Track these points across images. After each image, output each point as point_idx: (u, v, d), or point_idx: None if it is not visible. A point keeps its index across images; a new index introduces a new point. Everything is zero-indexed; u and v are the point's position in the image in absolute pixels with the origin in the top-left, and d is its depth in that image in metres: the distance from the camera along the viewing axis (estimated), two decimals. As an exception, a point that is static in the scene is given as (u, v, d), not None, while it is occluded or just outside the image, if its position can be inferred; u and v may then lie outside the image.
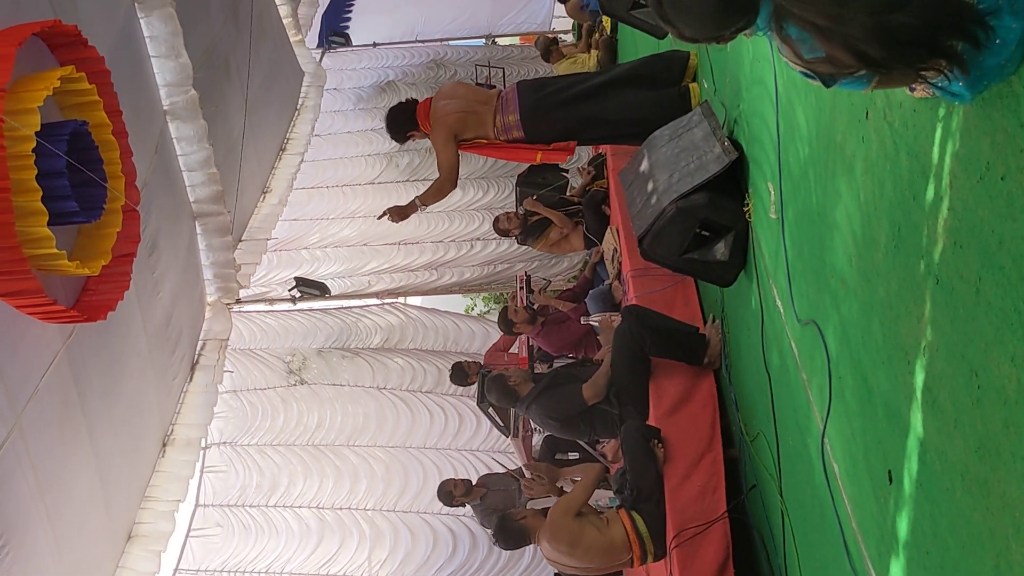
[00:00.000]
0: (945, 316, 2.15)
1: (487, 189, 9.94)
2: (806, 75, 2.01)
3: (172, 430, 6.67)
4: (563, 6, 11.91)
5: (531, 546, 7.63)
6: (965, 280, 2.04)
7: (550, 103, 5.64)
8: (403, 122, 5.98)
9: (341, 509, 7.95)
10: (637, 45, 8.00)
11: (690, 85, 5.52)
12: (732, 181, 4.33)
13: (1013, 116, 1.82)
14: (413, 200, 6.08)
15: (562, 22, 13.46)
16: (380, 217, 6.31)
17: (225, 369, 7.61)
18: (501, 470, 7.93)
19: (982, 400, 1.98)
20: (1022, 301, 1.80)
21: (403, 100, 6.22)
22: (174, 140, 6.83)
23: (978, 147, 1.97)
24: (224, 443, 7.96)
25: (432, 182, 5.93)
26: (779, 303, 3.76)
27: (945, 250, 2.14)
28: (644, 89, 5.58)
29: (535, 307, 7.63)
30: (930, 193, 2.21)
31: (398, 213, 6.15)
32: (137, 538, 6.06)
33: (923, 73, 1.76)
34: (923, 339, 2.27)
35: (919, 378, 2.31)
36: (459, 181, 6.01)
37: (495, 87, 6.34)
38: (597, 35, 10.13)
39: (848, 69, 1.88)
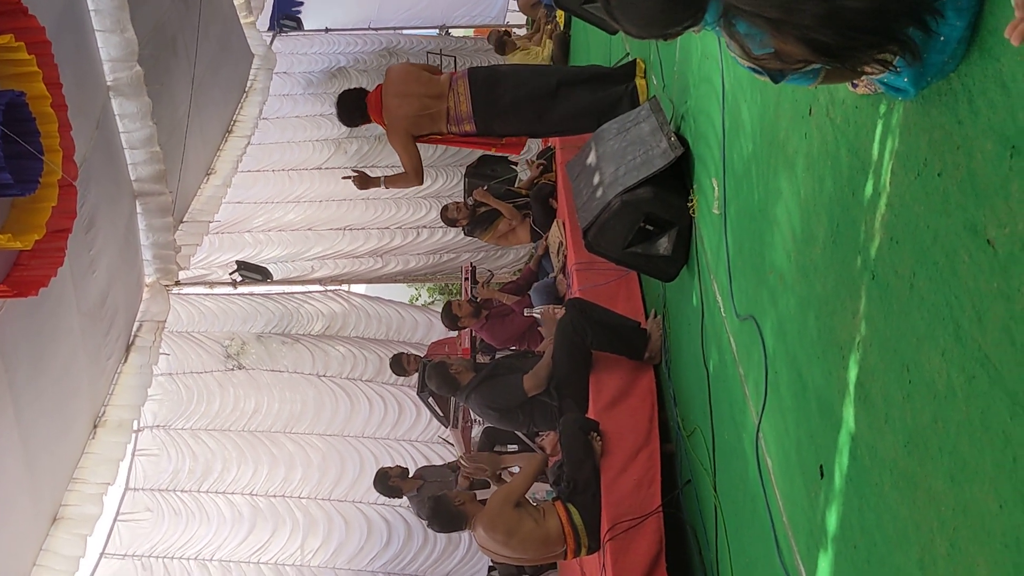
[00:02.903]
0: (879, 311, 2.17)
1: (435, 177, 9.89)
2: (754, 71, 2.00)
3: (104, 411, 6.54)
4: (516, 2, 11.92)
5: (466, 538, 7.66)
6: (900, 275, 2.05)
7: (503, 103, 5.67)
8: (353, 111, 6.01)
9: (275, 496, 7.86)
10: (589, 40, 8.01)
11: (637, 82, 5.54)
12: (677, 177, 4.35)
13: (951, 113, 1.83)
14: (379, 177, 6.17)
15: (516, 16, 13.43)
16: (345, 178, 6.39)
17: (161, 351, 7.49)
18: (440, 461, 7.90)
19: (912, 395, 2.00)
20: (954, 296, 1.81)
21: (353, 87, 6.19)
22: (117, 117, 6.70)
23: (916, 144, 1.98)
24: (158, 426, 7.82)
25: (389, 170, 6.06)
26: (719, 298, 3.77)
27: (881, 246, 2.15)
28: (594, 87, 5.61)
29: (479, 300, 7.60)
30: (869, 189, 2.22)
31: (362, 180, 6.19)
32: (63, 520, 5.93)
33: (874, 63, 1.76)
34: (857, 334, 2.29)
35: (852, 373, 2.32)
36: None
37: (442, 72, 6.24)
38: (550, 27, 10.13)
39: (797, 63, 1.88)
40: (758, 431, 3.18)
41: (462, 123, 5.72)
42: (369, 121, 6.00)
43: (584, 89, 5.61)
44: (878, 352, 2.18)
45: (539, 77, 5.71)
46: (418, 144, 5.93)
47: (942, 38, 1.78)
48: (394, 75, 5.91)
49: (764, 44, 1.87)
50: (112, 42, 6.46)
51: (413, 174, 5.93)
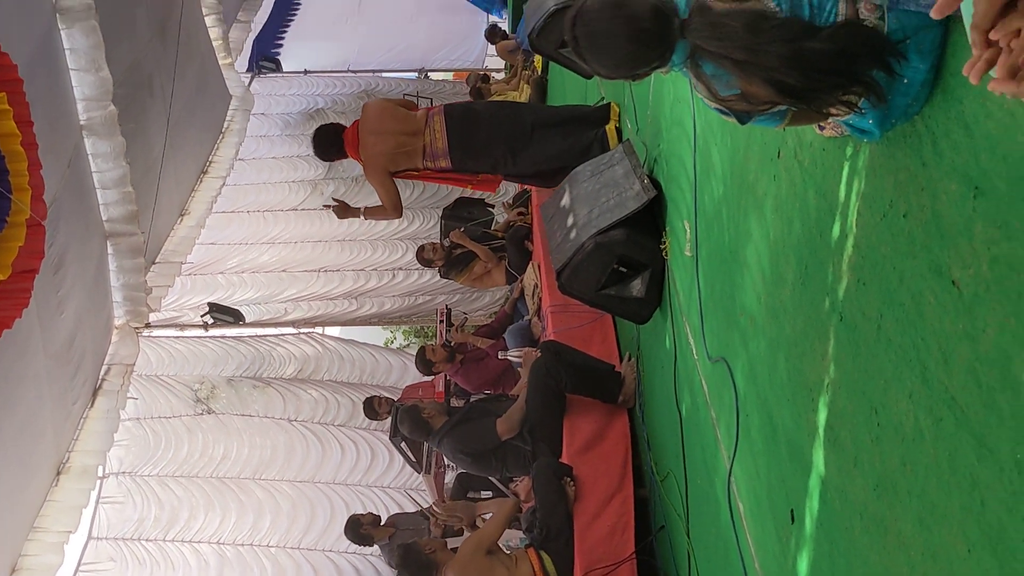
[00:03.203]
0: (848, 353, 2.15)
1: (411, 219, 9.87)
2: (721, 112, 2.01)
3: (68, 457, 6.41)
4: (494, 47, 12.01)
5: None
6: (867, 317, 2.04)
7: (478, 141, 5.74)
8: (329, 147, 6.05)
9: (243, 545, 7.70)
10: (566, 85, 8.06)
11: (608, 128, 5.57)
12: (650, 219, 4.35)
13: (916, 155, 1.83)
14: (360, 207, 6.20)
15: (495, 60, 13.53)
16: (326, 206, 6.48)
17: (129, 395, 7.37)
18: (412, 508, 7.80)
19: (881, 438, 1.98)
20: (920, 338, 1.80)
21: (330, 123, 6.22)
22: (90, 156, 6.65)
23: (882, 186, 1.98)
24: (123, 472, 7.66)
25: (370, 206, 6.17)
26: (691, 341, 3.76)
27: (849, 287, 2.14)
28: (566, 132, 5.66)
29: (453, 344, 7.56)
30: (836, 231, 2.22)
31: (342, 209, 6.21)
32: (22, 571, 5.78)
33: (839, 104, 1.77)
34: (826, 376, 2.27)
35: (822, 415, 2.30)
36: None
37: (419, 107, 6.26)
38: (528, 72, 10.19)
39: (763, 105, 1.89)
40: (730, 475, 3.15)
41: (438, 159, 5.78)
42: (345, 156, 6.04)
43: (557, 133, 5.67)
44: (847, 394, 2.16)
45: (514, 117, 5.76)
46: (396, 180, 5.97)
47: (906, 80, 1.78)
48: (371, 112, 5.92)
49: (730, 85, 1.88)
50: (87, 81, 6.44)
51: (391, 209, 6.00)
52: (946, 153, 1.73)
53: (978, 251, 1.60)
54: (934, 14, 1.20)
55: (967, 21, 1.20)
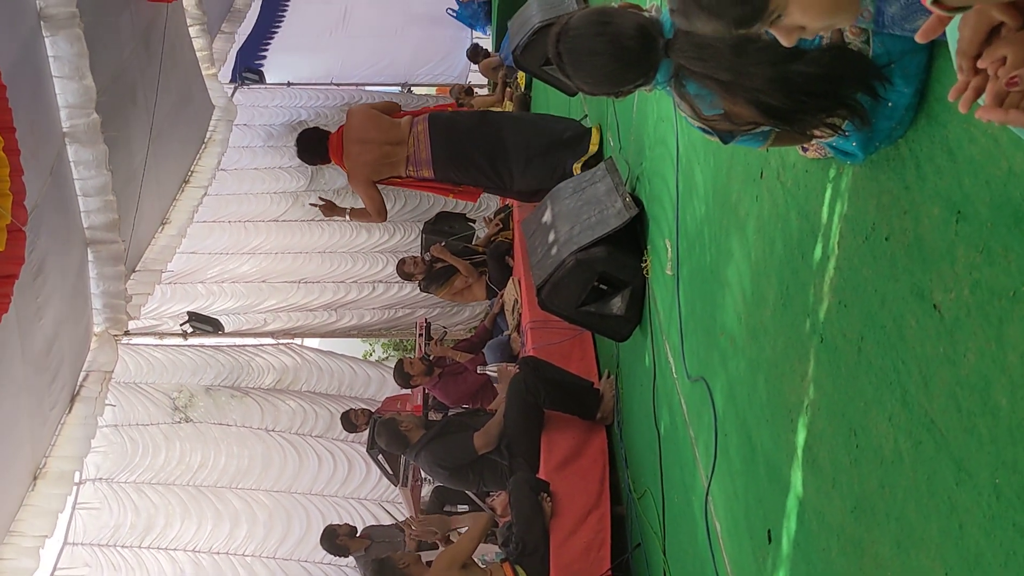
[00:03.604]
0: (828, 375, 2.16)
1: (392, 232, 9.86)
2: (704, 131, 2.02)
3: (45, 462, 6.36)
4: (476, 64, 12.04)
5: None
6: (848, 339, 2.05)
7: (461, 153, 5.82)
8: (314, 152, 6.14)
9: (218, 554, 7.65)
10: (549, 101, 8.08)
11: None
12: (632, 237, 4.37)
13: (899, 179, 1.85)
14: (346, 208, 6.33)
15: (479, 76, 13.56)
16: (312, 204, 6.62)
17: (107, 402, 7.32)
18: (388, 521, 7.77)
19: (860, 460, 1.99)
20: (901, 361, 1.81)
21: (314, 127, 6.28)
22: (72, 163, 6.62)
23: (865, 208, 2.00)
24: (100, 479, 7.61)
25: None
26: (671, 359, 3.77)
27: (830, 309, 2.15)
28: (546, 153, 5.71)
29: (431, 358, 7.55)
30: (818, 252, 2.23)
31: (330, 208, 6.28)
32: (-4, 576, 5.74)
33: (824, 126, 1.78)
34: (806, 397, 2.28)
35: (800, 436, 2.31)
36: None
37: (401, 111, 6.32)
38: (511, 89, 10.22)
39: (747, 125, 1.90)
40: (707, 494, 3.16)
41: (421, 168, 5.88)
42: (329, 162, 6.15)
43: (538, 157, 5.73)
44: (826, 416, 2.17)
45: (497, 132, 5.80)
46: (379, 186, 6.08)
47: (890, 104, 1.80)
48: (355, 120, 5.96)
49: (714, 105, 1.89)
50: (70, 89, 6.41)
51: (376, 214, 6.12)
52: (929, 177, 1.74)
53: (960, 275, 1.62)
54: (919, 38, 1.21)
55: (952, 46, 1.21)
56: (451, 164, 5.87)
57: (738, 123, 1.88)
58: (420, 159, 5.81)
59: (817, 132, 1.85)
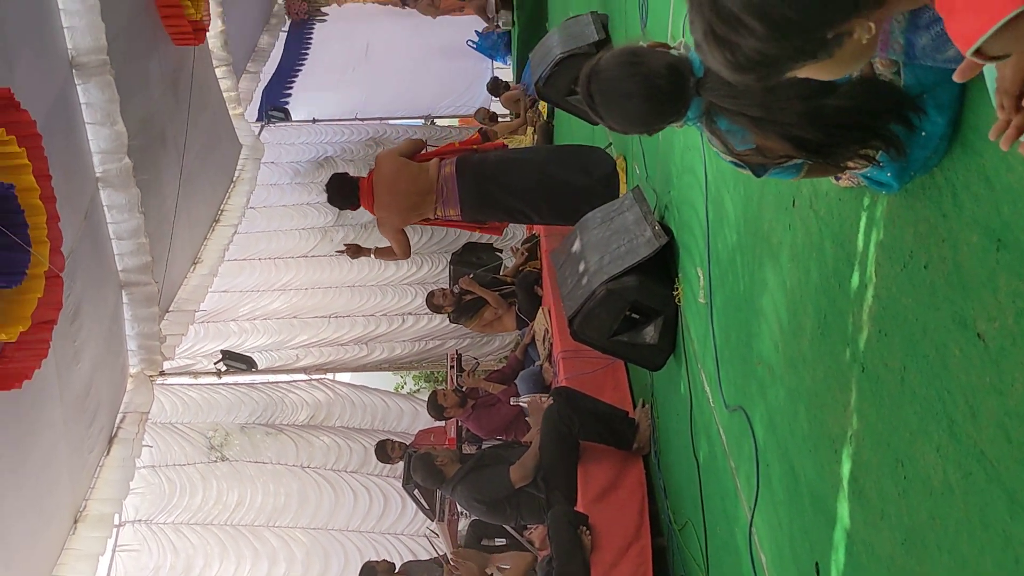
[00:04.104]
0: (871, 405, 2.15)
1: (420, 264, 9.91)
2: (737, 165, 2.02)
3: (85, 505, 6.40)
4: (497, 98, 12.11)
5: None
6: (890, 368, 2.04)
7: (489, 199, 5.95)
8: (344, 198, 6.27)
9: (257, 593, 7.69)
10: (573, 130, 8.11)
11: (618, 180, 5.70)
12: (662, 265, 4.36)
13: (935, 207, 1.84)
14: (371, 248, 6.53)
15: (500, 107, 13.64)
16: (339, 252, 6.95)
17: (144, 443, 7.38)
18: (426, 555, 7.75)
19: (908, 491, 1.97)
20: (946, 391, 1.80)
21: (343, 173, 6.37)
22: (105, 208, 6.71)
23: (902, 236, 1.99)
24: (139, 521, 7.66)
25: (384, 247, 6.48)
26: (707, 388, 3.75)
27: (870, 338, 2.14)
28: (578, 200, 5.73)
29: (464, 390, 7.55)
30: (855, 281, 2.22)
31: (354, 250, 6.58)
32: (40, 619, 5.78)
33: (858, 158, 1.78)
34: (849, 428, 2.27)
35: (845, 467, 2.29)
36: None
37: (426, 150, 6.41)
38: (533, 116, 10.27)
39: (780, 158, 1.90)
40: (751, 525, 3.13)
41: (448, 209, 5.99)
42: (358, 207, 6.24)
43: (567, 198, 5.77)
44: (871, 446, 2.15)
45: (525, 176, 5.91)
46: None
47: (924, 134, 1.79)
48: (385, 170, 6.04)
49: (746, 140, 1.89)
50: (102, 135, 6.52)
51: (402, 255, 6.42)
52: (967, 205, 1.74)
53: (1003, 304, 1.61)
54: (957, 78, 1.21)
55: (991, 85, 1.21)
56: (479, 208, 6.01)
57: (771, 157, 1.88)
58: (448, 201, 5.93)
59: (851, 164, 1.85)
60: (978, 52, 1.05)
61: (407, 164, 6.05)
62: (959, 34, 1.07)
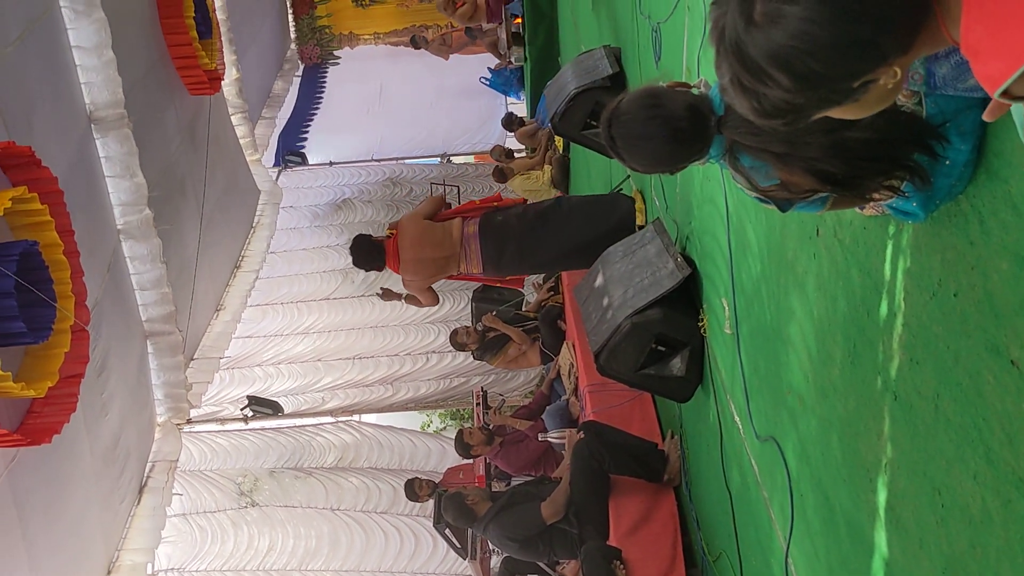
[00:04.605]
0: (905, 433, 2.14)
1: (442, 302, 9.90)
2: (762, 201, 2.03)
3: (118, 556, 6.43)
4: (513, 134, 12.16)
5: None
6: (923, 396, 2.03)
7: (511, 258, 6.05)
8: (370, 261, 6.35)
9: (292, 640, 7.67)
10: (589, 164, 8.14)
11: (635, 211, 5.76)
12: (686, 297, 4.36)
13: (962, 234, 1.84)
14: (402, 293, 6.60)
15: (515, 142, 13.72)
16: (378, 294, 6.99)
17: (174, 491, 7.40)
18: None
19: (946, 519, 1.96)
20: (981, 418, 1.79)
21: (366, 235, 6.47)
22: (127, 259, 6.78)
23: (929, 264, 1.99)
24: (172, 569, 7.67)
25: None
26: (737, 419, 3.74)
27: (902, 366, 2.14)
28: (600, 235, 5.76)
29: (491, 427, 7.54)
30: (884, 309, 2.22)
31: (387, 295, 6.68)
32: (77, 673, 5.78)
33: (883, 189, 1.78)
34: (883, 456, 2.25)
35: (881, 496, 2.28)
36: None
37: (450, 204, 6.51)
38: (550, 153, 10.30)
39: (805, 193, 1.91)
40: (787, 556, 3.11)
41: (472, 268, 6.12)
42: (383, 269, 6.35)
43: (590, 251, 5.73)
44: (907, 475, 2.14)
45: (547, 234, 5.97)
46: None
47: (948, 162, 1.80)
48: (408, 236, 6.10)
49: (770, 176, 1.90)
50: (122, 187, 6.60)
51: (429, 305, 6.73)
52: (994, 232, 1.74)
53: (1036, 331, 1.60)
54: (986, 118, 1.22)
55: (1019, 120, 1.22)
56: (501, 266, 6.12)
57: (796, 191, 1.89)
58: (471, 261, 6.04)
59: (877, 195, 1.86)
60: (1005, 93, 1.06)
61: (431, 228, 6.07)
62: (985, 76, 1.08)
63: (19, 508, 4.85)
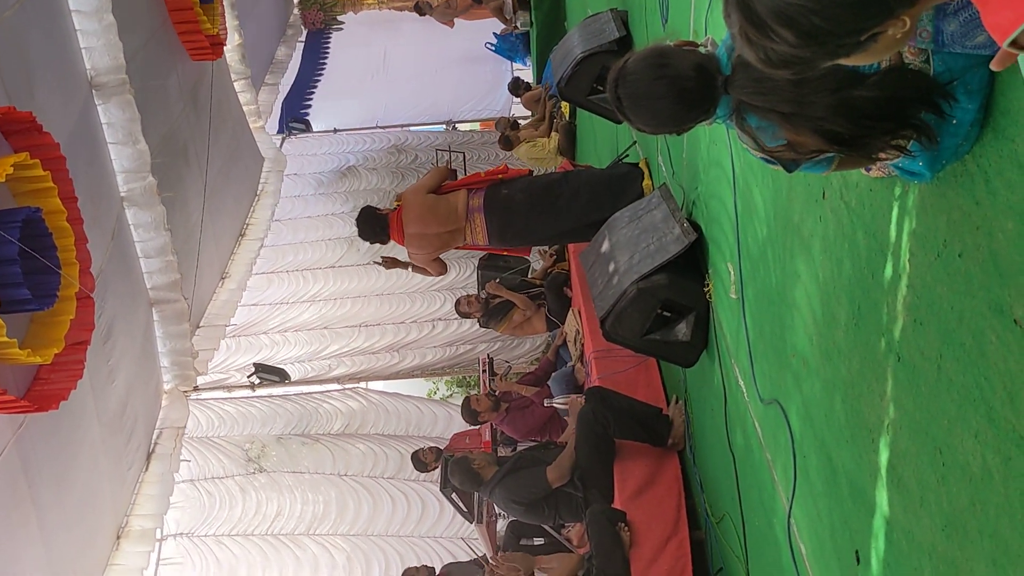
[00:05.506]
0: (907, 394, 2.14)
1: (448, 270, 9.93)
2: (767, 161, 2.03)
3: (127, 521, 6.47)
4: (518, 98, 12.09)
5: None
6: (926, 357, 2.04)
7: (517, 230, 6.06)
8: (375, 234, 6.33)
9: (300, 601, 7.75)
10: (595, 131, 8.12)
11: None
12: (692, 262, 4.36)
13: (968, 195, 1.84)
14: (407, 262, 6.56)
15: (521, 108, 13.65)
16: (376, 262, 7.05)
17: (182, 458, 7.44)
18: (465, 557, 7.78)
19: (947, 477, 1.97)
20: (983, 378, 1.80)
21: (371, 208, 6.43)
22: (131, 226, 6.77)
23: (935, 225, 1.98)
24: (180, 534, 7.75)
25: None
26: (741, 383, 3.75)
27: (905, 327, 2.14)
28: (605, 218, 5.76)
29: (497, 393, 7.57)
30: (888, 271, 2.22)
31: (391, 263, 6.65)
32: (88, 635, 5.84)
33: (890, 148, 1.78)
34: (886, 417, 2.26)
35: (883, 456, 2.29)
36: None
37: (455, 171, 6.50)
38: (557, 120, 10.25)
39: (811, 153, 1.90)
40: (789, 517, 3.13)
41: (477, 238, 6.13)
42: (388, 241, 6.30)
43: (596, 221, 5.69)
44: (909, 435, 2.15)
45: (553, 207, 5.92)
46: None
47: (955, 121, 1.79)
48: (413, 211, 6.06)
49: (777, 136, 1.89)
50: (125, 154, 6.57)
51: (438, 275, 6.81)
52: (1000, 192, 1.73)
53: (1040, 290, 1.60)
54: (993, 67, 1.21)
55: (1025, 72, 1.21)
56: (507, 240, 6.17)
57: (802, 152, 1.88)
58: (476, 232, 6.04)
59: (883, 155, 1.85)
60: (1014, 43, 1.06)
61: (435, 203, 6.01)
62: (994, 25, 1.07)
63: (27, 474, 4.88)
